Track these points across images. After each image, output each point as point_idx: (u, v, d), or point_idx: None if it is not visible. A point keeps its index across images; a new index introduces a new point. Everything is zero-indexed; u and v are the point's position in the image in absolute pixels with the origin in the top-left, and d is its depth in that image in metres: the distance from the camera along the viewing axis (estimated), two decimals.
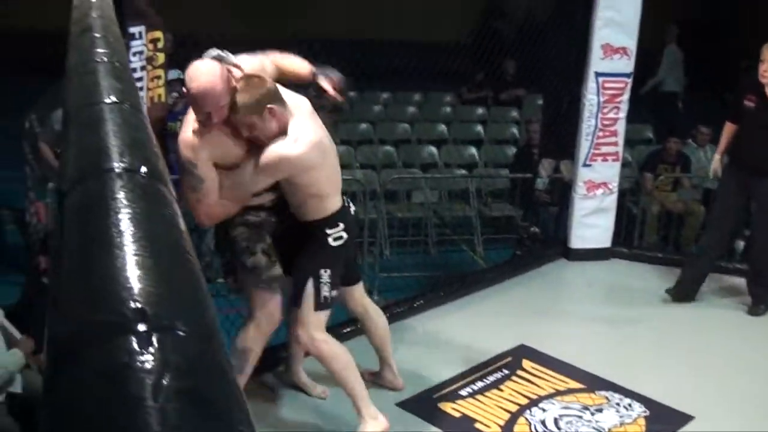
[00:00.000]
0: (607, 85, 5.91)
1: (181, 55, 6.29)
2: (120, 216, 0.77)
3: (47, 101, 5.22)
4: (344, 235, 3.48)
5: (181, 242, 0.77)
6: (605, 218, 6.16)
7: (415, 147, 8.56)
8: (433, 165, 8.30)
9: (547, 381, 4.37)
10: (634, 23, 5.88)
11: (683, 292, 5.44)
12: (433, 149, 8.40)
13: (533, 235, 6.33)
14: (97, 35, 1.74)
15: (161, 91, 3.35)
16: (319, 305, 3.51)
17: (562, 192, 6.41)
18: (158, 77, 3.29)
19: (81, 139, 1.05)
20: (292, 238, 3.49)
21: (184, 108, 6.44)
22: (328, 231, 3.45)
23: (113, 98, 1.20)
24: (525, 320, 5.12)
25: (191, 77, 3.06)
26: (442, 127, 9.05)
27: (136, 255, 0.69)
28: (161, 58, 3.29)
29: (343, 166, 7.58)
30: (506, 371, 4.46)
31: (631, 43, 5.91)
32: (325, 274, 3.48)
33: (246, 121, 3.11)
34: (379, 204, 6.91)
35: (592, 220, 6.12)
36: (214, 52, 3.18)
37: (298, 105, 3.33)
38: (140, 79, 3.19)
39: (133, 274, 0.65)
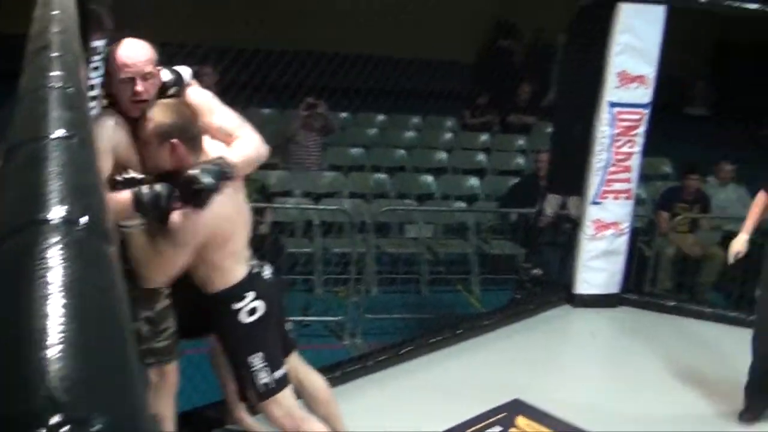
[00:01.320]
0: (621, 116, 5.92)
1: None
2: (46, 280, 0.75)
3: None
4: (258, 305, 3.22)
5: (115, 314, 0.76)
6: (614, 262, 6.16)
7: (411, 176, 8.57)
8: (429, 196, 8.30)
9: None
10: (654, 49, 5.91)
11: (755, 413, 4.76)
12: (431, 179, 8.40)
13: (535, 277, 6.32)
14: (54, 54, 1.73)
15: None
16: (265, 394, 3.28)
17: (569, 231, 6.40)
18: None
19: (18, 181, 1.03)
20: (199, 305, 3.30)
21: None
22: (235, 306, 3.19)
23: (61, 132, 1.19)
24: (521, 372, 5.09)
25: (123, 48, 3.09)
26: (442, 155, 9.07)
27: (58, 330, 0.68)
28: None
29: (331, 195, 7.76)
30: (498, 428, 4.43)
31: (650, 71, 5.93)
32: (257, 360, 3.24)
33: (145, 137, 3.01)
34: (368, 237, 6.90)
35: (600, 264, 6.12)
36: (185, 71, 3.19)
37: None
38: (96, 97, 3.18)
39: (51, 354, 0.64)
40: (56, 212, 0.91)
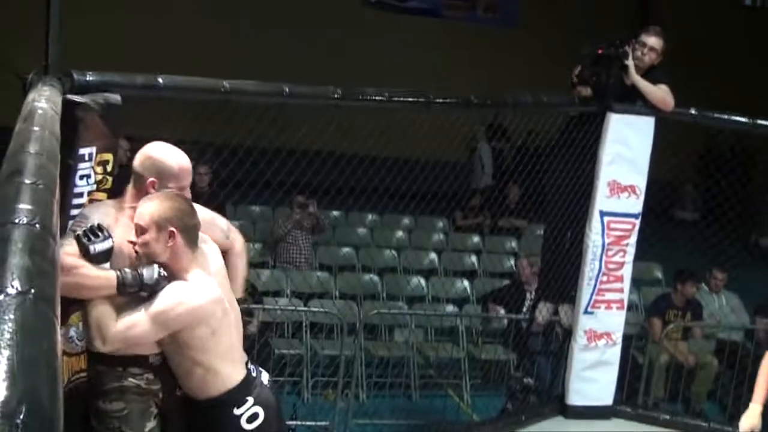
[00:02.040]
0: (612, 225, 5.85)
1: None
2: None
3: None
4: (259, 411, 3.08)
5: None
6: (607, 372, 6.01)
7: (402, 277, 8.45)
8: (420, 298, 8.18)
9: None
10: (645, 160, 5.87)
11: None
12: (422, 280, 8.29)
13: (527, 387, 6.16)
14: (25, 182, 1.63)
15: None
16: None
17: (561, 339, 6.27)
18: (98, 200, 3.20)
19: None
20: (193, 419, 3.12)
21: None
22: (236, 411, 3.04)
23: (17, 286, 1.08)
24: None
25: (169, 151, 3.06)
26: (433, 256, 8.97)
27: None
28: (109, 182, 3.21)
29: (321, 296, 7.63)
30: None
31: (641, 181, 5.89)
32: None
33: (141, 224, 2.89)
34: (357, 340, 6.76)
35: (593, 374, 5.96)
36: None
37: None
38: (82, 205, 3.10)
39: None
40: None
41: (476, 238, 9.69)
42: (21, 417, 0.77)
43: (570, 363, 5.97)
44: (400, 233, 9.58)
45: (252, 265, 7.87)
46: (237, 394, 3.05)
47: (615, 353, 6.02)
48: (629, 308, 6.57)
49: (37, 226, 1.37)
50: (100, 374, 2.97)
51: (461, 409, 7.03)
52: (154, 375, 3.00)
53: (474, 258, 9.19)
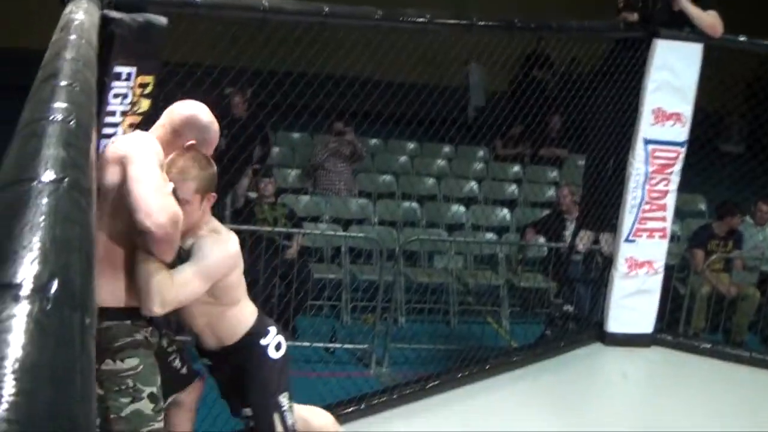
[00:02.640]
0: (657, 154, 5.77)
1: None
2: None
3: None
4: (282, 340, 3.15)
5: (72, 408, 0.62)
6: (647, 301, 5.98)
7: (442, 205, 8.42)
8: (459, 226, 8.15)
9: None
10: (692, 87, 5.75)
11: None
12: (461, 209, 8.25)
13: (566, 314, 6.14)
14: (61, 84, 1.61)
15: None
16: None
17: (602, 268, 6.23)
18: (136, 124, 3.16)
19: None
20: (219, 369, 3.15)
21: None
22: (263, 341, 3.09)
23: (50, 175, 1.06)
24: (550, 412, 4.93)
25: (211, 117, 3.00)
26: (473, 185, 8.91)
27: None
28: (146, 104, 3.17)
29: (360, 222, 7.64)
30: None
31: (687, 109, 5.78)
32: (285, 400, 3.14)
33: (185, 191, 2.83)
34: (396, 266, 6.77)
35: (633, 303, 5.93)
36: None
37: None
38: (117, 124, 3.08)
39: None
40: (24, 277, 0.77)
41: (517, 168, 9.61)
42: (53, 291, 0.75)
43: (610, 291, 5.95)
44: (440, 161, 9.52)
45: (292, 191, 7.91)
46: (260, 327, 3.11)
47: (656, 282, 5.99)
48: (671, 239, 6.50)
49: (72, 123, 1.35)
50: (110, 330, 2.79)
51: (499, 335, 7.04)
52: (152, 327, 2.93)
53: (514, 187, 9.12)
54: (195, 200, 2.87)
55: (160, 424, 2.86)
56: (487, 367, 5.38)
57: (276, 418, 3.08)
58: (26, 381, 0.60)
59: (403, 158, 9.44)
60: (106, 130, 3.04)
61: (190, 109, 2.98)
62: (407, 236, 7.34)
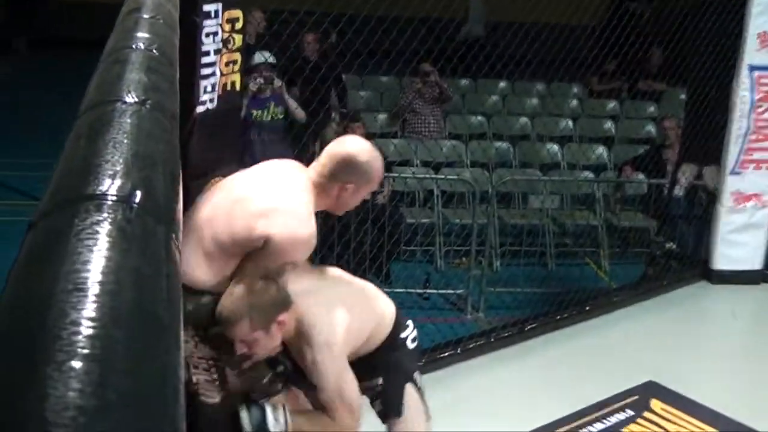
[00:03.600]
0: (763, 80, 5.62)
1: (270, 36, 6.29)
2: (80, 265, 0.61)
3: None
4: (415, 334, 3.01)
5: (157, 317, 0.60)
6: (756, 236, 5.85)
7: (535, 145, 8.29)
8: (554, 166, 8.02)
9: (681, 427, 4.12)
10: None
11: None
12: (556, 147, 8.11)
13: (669, 252, 6.01)
14: (144, 16, 1.61)
15: (236, 77, 3.19)
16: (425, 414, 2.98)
17: (705, 203, 6.06)
18: (234, 62, 3.15)
19: (75, 149, 0.90)
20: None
21: (272, 96, 6.45)
22: (402, 334, 2.95)
23: (133, 96, 1.05)
24: (655, 353, 4.86)
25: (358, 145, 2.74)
26: (567, 123, 8.74)
27: (80, 333, 0.53)
28: (239, 40, 3.15)
29: (451, 164, 7.58)
30: (631, 412, 4.23)
31: None
32: (418, 377, 2.98)
33: (244, 336, 2.53)
34: (490, 208, 6.70)
35: (740, 238, 5.82)
36: None
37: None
38: (213, 63, 3.07)
39: (61, 368, 0.49)
40: (107, 187, 0.76)
41: (613, 104, 9.37)
42: (136, 201, 0.74)
43: (715, 226, 5.83)
44: (533, 100, 9.35)
45: (380, 135, 7.88)
46: (401, 318, 2.99)
47: (765, 215, 5.85)
48: None
49: (155, 51, 1.35)
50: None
51: (598, 276, 6.94)
52: None
53: (611, 124, 8.91)
54: (259, 336, 2.54)
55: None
56: (586, 309, 5.34)
57: (411, 388, 2.92)
58: (110, 282, 0.58)
59: (494, 98, 9.31)
60: (204, 71, 3.04)
61: (346, 148, 2.71)
62: (500, 177, 7.25)
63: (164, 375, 0.53)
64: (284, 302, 2.57)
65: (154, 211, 0.75)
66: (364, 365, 2.83)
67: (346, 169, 2.65)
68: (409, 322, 3.01)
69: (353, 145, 2.72)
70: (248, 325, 2.50)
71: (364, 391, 2.82)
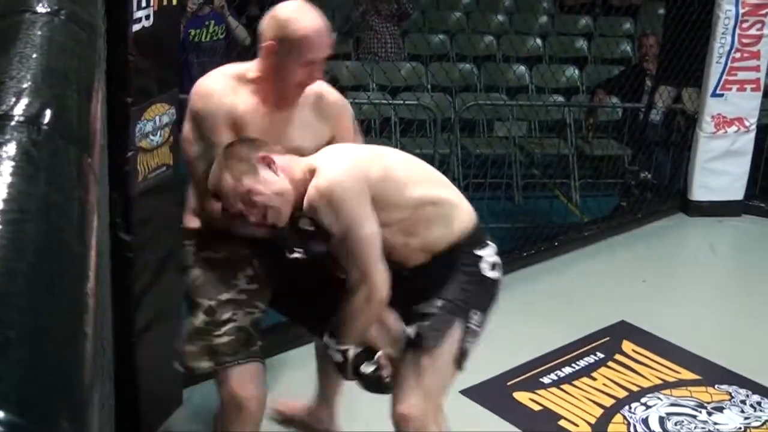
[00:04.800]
0: None
1: None
2: None
3: None
4: (499, 261, 2.75)
5: (68, 253, 0.59)
6: (738, 164, 5.93)
7: (501, 66, 8.29)
8: (522, 89, 8.04)
9: (653, 369, 4.20)
10: None
11: None
12: (523, 69, 8.12)
13: (644, 181, 6.09)
14: None
15: None
16: (458, 363, 2.75)
17: (684, 129, 6.13)
18: None
19: None
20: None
21: (211, 13, 6.34)
22: (478, 252, 2.71)
23: (44, 5, 1.02)
24: (628, 290, 4.94)
25: (308, 21, 2.67)
26: (536, 41, 8.73)
27: None
28: None
29: (410, 88, 7.55)
30: (601, 355, 4.30)
31: None
32: (476, 318, 2.72)
33: (238, 192, 2.56)
34: (452, 136, 6.72)
35: (721, 166, 5.90)
36: None
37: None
38: None
39: None
40: (11, 106, 0.74)
41: (586, 19, 9.37)
42: (45, 121, 0.72)
43: (694, 154, 5.90)
44: (499, 17, 9.31)
45: (333, 57, 7.81)
46: (479, 233, 2.79)
47: (748, 141, 5.92)
48: (766, 93, 6.35)
49: (62, 16, 1.31)
50: None
51: (569, 209, 7.02)
52: None
53: (583, 42, 8.92)
54: (249, 183, 2.56)
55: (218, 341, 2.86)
56: (555, 244, 5.40)
57: (457, 325, 2.71)
58: (12, 211, 0.57)
59: (456, 14, 9.25)
60: None
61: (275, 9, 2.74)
62: (464, 102, 7.25)
63: (72, 308, 0.52)
64: (255, 144, 2.61)
65: (66, 132, 0.73)
66: (419, 273, 2.72)
67: (267, 25, 2.69)
68: (491, 245, 2.76)
69: (281, 4, 2.74)
70: (230, 178, 2.55)
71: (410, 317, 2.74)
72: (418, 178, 2.72)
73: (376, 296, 2.59)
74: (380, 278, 2.58)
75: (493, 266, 2.73)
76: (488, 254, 2.72)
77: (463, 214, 2.73)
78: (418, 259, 2.71)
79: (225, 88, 2.72)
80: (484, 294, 2.74)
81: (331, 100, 2.85)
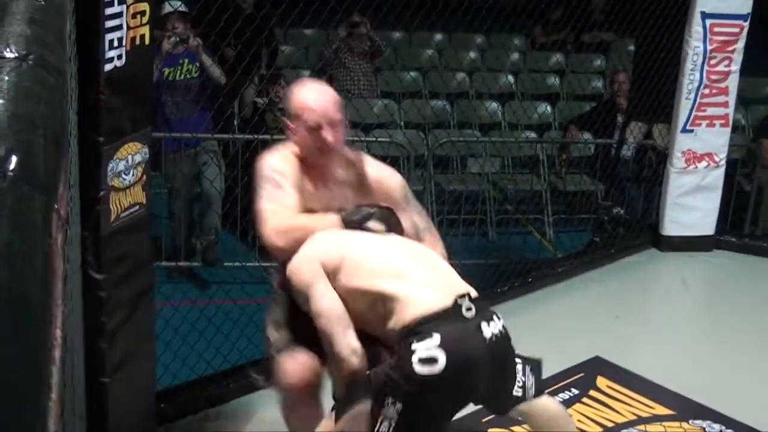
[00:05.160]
0: (716, 29, 5.65)
1: None
2: None
3: None
4: (441, 357, 2.60)
5: (28, 299, 0.60)
6: (708, 199, 5.94)
7: (474, 103, 8.34)
8: (495, 126, 8.08)
9: (628, 405, 4.20)
10: None
11: None
12: (496, 105, 8.17)
13: (616, 217, 6.12)
14: None
15: (145, 30, 3.12)
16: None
17: (655, 164, 6.17)
18: (142, 13, 3.08)
19: None
20: None
21: (185, 52, 6.33)
22: (414, 345, 2.61)
23: (12, 51, 1.03)
24: (602, 326, 4.94)
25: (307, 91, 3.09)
26: (508, 78, 8.79)
27: None
28: None
29: (383, 125, 7.57)
30: (576, 391, 4.30)
31: None
32: (392, 409, 2.63)
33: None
34: (426, 173, 6.74)
35: (692, 201, 5.91)
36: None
37: None
38: (119, 14, 2.99)
39: None
40: None
41: (557, 56, 9.44)
42: (11, 167, 0.73)
43: (665, 189, 5.92)
44: (471, 54, 9.38)
45: None
46: (421, 324, 2.71)
47: (718, 177, 5.93)
48: (734, 129, 6.43)
49: (30, 61, 1.32)
50: None
51: (542, 245, 7.04)
52: None
53: (555, 79, 8.99)
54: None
55: None
56: (529, 280, 5.40)
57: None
58: None
59: (429, 51, 9.31)
60: (108, 23, 2.95)
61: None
62: (437, 139, 7.28)
63: (31, 359, 0.52)
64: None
65: (32, 179, 0.73)
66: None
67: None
68: (435, 335, 2.61)
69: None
70: None
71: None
72: (372, 271, 2.82)
73: (343, 367, 2.78)
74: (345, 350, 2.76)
75: (426, 361, 2.60)
76: (423, 348, 2.60)
77: (404, 311, 2.69)
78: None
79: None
80: (407, 387, 2.63)
81: (371, 184, 3.17)
